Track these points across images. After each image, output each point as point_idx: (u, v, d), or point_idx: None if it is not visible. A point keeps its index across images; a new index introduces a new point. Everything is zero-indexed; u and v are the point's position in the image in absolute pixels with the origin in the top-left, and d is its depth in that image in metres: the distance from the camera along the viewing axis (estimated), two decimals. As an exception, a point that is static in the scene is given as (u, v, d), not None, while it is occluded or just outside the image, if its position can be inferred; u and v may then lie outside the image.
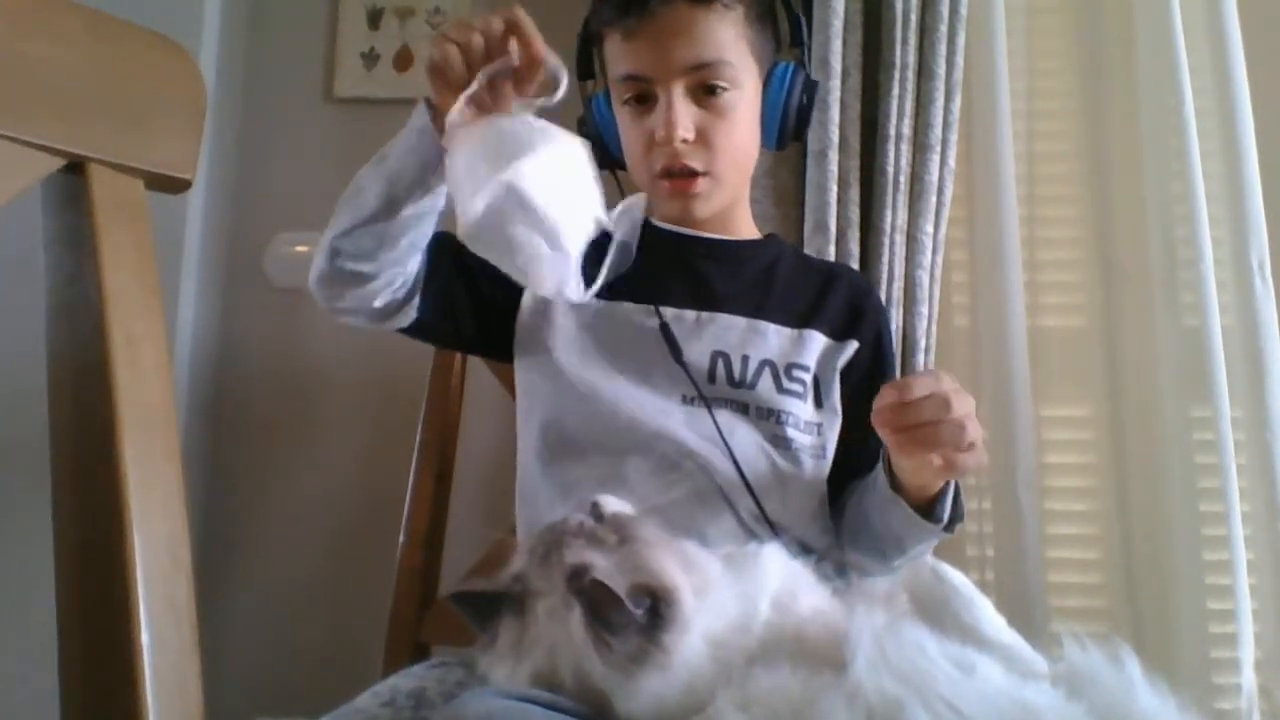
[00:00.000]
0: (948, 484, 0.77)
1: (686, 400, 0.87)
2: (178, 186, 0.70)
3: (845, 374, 0.94)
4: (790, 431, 0.88)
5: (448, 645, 1.10)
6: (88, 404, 0.60)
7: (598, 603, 0.54)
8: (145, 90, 0.68)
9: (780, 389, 0.89)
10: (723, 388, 0.88)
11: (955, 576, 0.61)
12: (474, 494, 1.30)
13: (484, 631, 0.61)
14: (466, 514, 1.27)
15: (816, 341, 0.93)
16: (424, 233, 0.82)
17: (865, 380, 0.94)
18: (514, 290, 0.87)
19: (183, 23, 1.40)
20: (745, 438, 0.86)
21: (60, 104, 0.62)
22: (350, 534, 1.39)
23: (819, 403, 0.92)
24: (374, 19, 1.48)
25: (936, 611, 0.58)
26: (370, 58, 1.47)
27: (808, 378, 0.91)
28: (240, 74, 1.50)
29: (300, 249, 1.45)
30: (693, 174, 0.90)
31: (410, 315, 0.88)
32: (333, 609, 1.36)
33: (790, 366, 0.90)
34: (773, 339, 0.92)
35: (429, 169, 0.76)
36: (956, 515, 0.79)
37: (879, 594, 0.66)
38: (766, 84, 0.94)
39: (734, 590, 0.59)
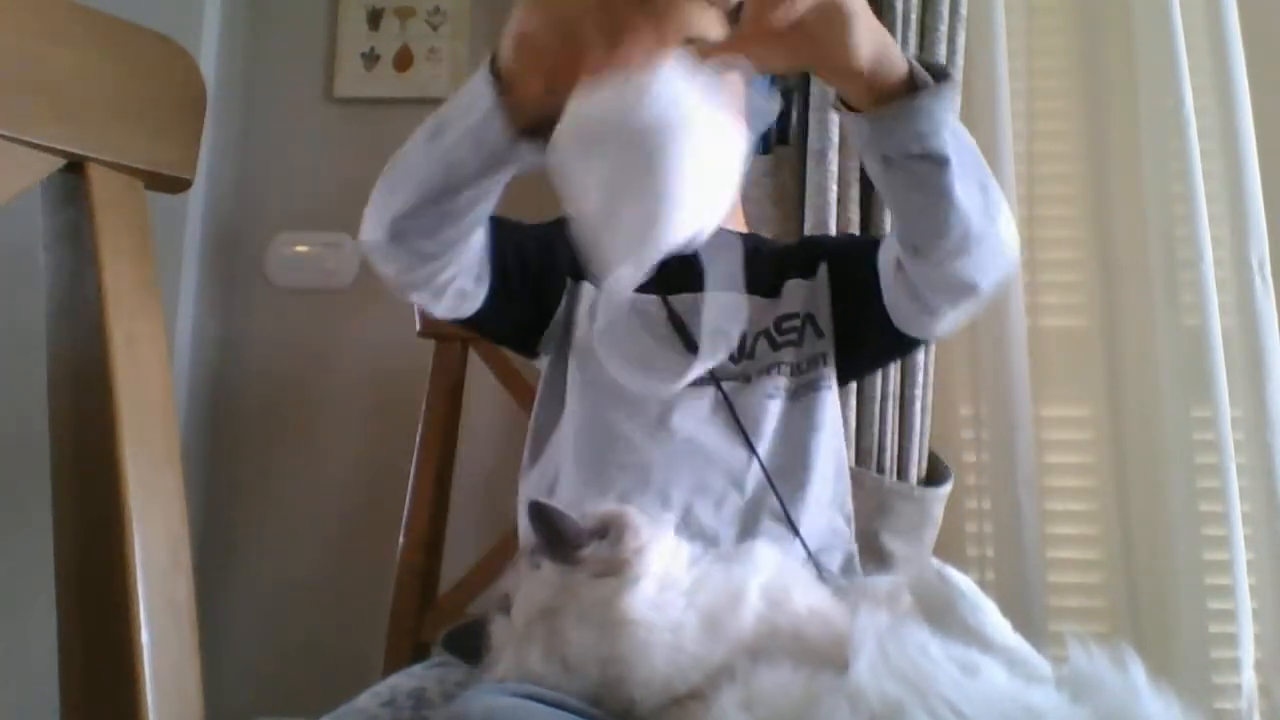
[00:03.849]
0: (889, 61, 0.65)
1: (692, 383, 0.88)
2: (178, 186, 0.70)
3: (836, 289, 0.94)
4: (791, 379, 0.90)
5: (448, 645, 1.10)
6: (88, 404, 0.60)
7: (547, 523, 0.58)
8: (145, 90, 0.68)
9: (775, 346, 0.91)
10: (725, 366, 0.90)
11: (960, 580, 0.60)
12: (474, 494, 1.30)
13: (479, 662, 0.62)
14: (466, 514, 1.27)
15: (794, 287, 0.95)
16: (488, 207, 0.76)
17: (845, 266, 0.95)
18: (553, 280, 0.93)
19: (183, 23, 1.40)
20: (754, 410, 0.88)
21: (60, 104, 0.62)
22: (350, 534, 1.39)
23: (819, 333, 0.93)
24: (374, 19, 1.47)
25: (941, 614, 0.58)
26: (370, 58, 1.47)
27: (798, 322, 0.93)
28: (240, 74, 1.50)
29: (300, 249, 1.45)
30: None
31: (477, 302, 0.87)
32: (333, 609, 1.36)
33: (779, 321, 0.93)
34: (762, 309, 0.94)
35: (495, 162, 0.68)
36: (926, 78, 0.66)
37: (882, 594, 0.66)
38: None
39: (721, 570, 0.60)
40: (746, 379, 0.90)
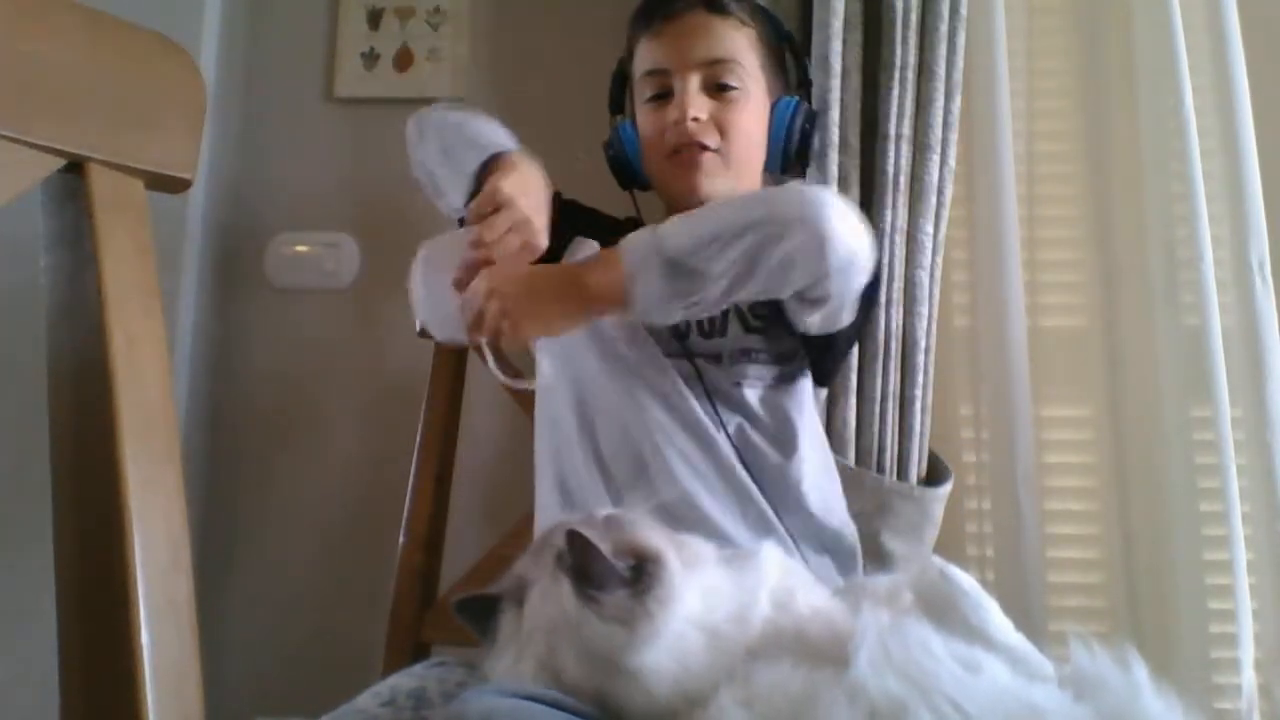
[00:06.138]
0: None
1: (666, 355, 0.92)
2: (178, 186, 0.70)
3: None
4: (772, 369, 0.93)
5: (448, 645, 1.10)
6: (88, 404, 0.60)
7: (580, 556, 0.56)
8: (145, 90, 0.68)
9: (747, 329, 0.94)
10: (696, 341, 0.93)
11: (962, 578, 0.60)
12: (474, 494, 1.30)
13: (485, 637, 0.61)
14: (466, 514, 1.27)
15: None
16: None
17: None
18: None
19: (183, 23, 1.40)
20: (728, 392, 0.91)
21: (60, 104, 0.62)
22: (350, 534, 1.39)
23: (790, 331, 0.95)
24: (374, 19, 1.47)
25: (943, 613, 0.58)
26: (370, 58, 1.47)
27: (765, 310, 0.95)
28: (240, 74, 1.50)
29: (300, 249, 1.45)
30: (703, 149, 0.96)
31: None
32: (333, 609, 1.36)
33: (753, 304, 0.95)
34: None
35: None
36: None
37: (883, 592, 0.66)
38: (773, 111, 1.01)
39: (733, 582, 0.59)
40: (718, 358, 0.93)
